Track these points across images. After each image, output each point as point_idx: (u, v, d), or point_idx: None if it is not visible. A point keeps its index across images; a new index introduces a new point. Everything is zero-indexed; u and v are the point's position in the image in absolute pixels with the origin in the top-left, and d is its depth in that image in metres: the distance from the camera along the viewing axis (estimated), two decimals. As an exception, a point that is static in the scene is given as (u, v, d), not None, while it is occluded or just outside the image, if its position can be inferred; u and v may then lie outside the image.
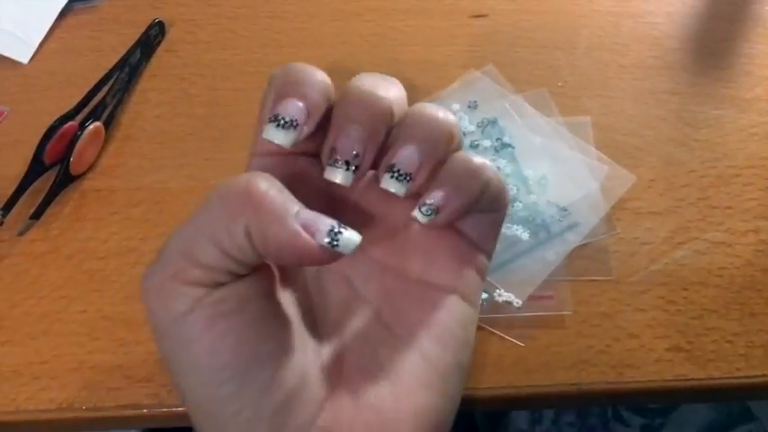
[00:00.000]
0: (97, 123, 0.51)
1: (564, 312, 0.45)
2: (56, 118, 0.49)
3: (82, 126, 0.50)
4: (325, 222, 0.24)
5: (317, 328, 0.29)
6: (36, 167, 0.48)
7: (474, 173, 0.27)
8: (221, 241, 0.23)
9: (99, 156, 0.52)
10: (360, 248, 0.25)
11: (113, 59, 0.55)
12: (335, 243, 0.24)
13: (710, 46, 0.57)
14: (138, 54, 0.56)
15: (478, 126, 0.51)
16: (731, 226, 0.48)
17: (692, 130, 0.52)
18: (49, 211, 0.48)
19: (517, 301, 0.45)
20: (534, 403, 0.45)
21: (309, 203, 0.24)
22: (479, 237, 0.30)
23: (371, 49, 0.56)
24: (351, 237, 0.24)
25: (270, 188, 0.24)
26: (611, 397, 0.44)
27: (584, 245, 0.47)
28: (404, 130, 0.26)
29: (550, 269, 0.46)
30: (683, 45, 0.57)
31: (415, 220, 0.27)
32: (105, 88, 0.53)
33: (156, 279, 0.24)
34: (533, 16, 0.59)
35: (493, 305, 0.45)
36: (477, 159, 0.27)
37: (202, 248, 0.24)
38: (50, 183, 0.48)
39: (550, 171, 0.49)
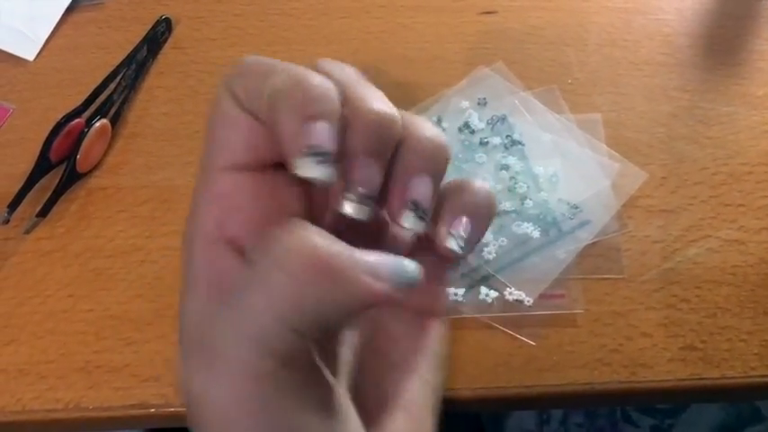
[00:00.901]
0: (104, 120, 0.50)
1: (576, 311, 0.44)
2: (62, 115, 0.49)
3: (88, 123, 0.49)
4: (388, 261, 0.22)
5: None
6: (42, 165, 0.48)
7: (491, 203, 0.26)
8: (294, 322, 0.21)
9: (105, 153, 0.51)
10: None
11: (120, 56, 0.54)
12: (404, 283, 0.22)
13: (722, 43, 0.57)
14: (144, 51, 0.55)
15: (488, 123, 0.51)
16: (744, 224, 0.47)
17: (703, 128, 0.52)
18: (55, 208, 0.48)
19: (528, 300, 0.44)
20: (545, 403, 0.44)
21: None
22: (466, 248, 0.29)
23: (380, 45, 0.56)
24: (412, 271, 0.23)
25: (328, 241, 0.21)
26: (624, 397, 0.43)
27: (596, 243, 0.46)
28: (411, 156, 0.24)
29: (561, 267, 0.45)
30: (693, 42, 0.56)
31: (448, 252, 0.25)
32: (112, 85, 0.52)
33: (221, 383, 0.21)
34: (543, 13, 0.59)
35: (503, 303, 0.44)
36: (488, 186, 0.26)
37: (276, 334, 0.21)
38: (57, 180, 0.48)
39: (561, 168, 0.49)
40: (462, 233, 0.25)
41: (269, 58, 0.24)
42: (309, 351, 0.22)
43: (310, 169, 0.22)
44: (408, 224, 0.24)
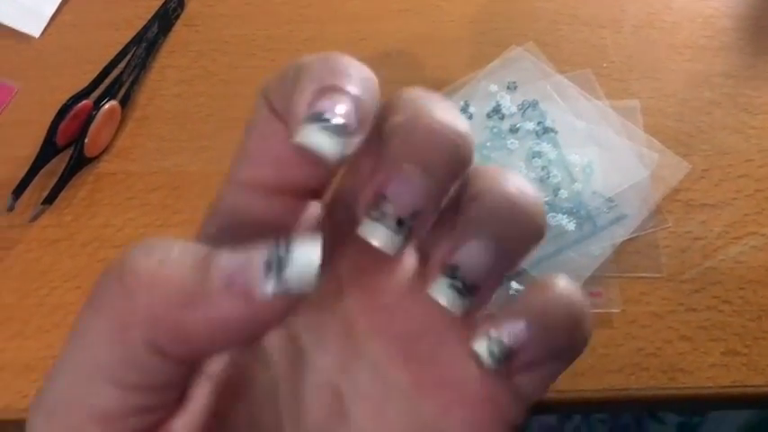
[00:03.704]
0: (113, 102, 0.48)
1: (611, 310, 0.42)
2: (69, 96, 0.46)
3: (97, 105, 0.47)
4: (256, 261, 0.16)
5: None
6: (48, 149, 0.46)
7: (576, 324, 0.19)
8: (117, 373, 0.16)
9: (115, 137, 0.49)
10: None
11: (130, 34, 0.51)
12: (284, 288, 0.15)
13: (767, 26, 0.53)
14: (155, 28, 0.52)
15: (519, 108, 0.48)
16: (792, 220, 0.44)
17: (748, 117, 0.48)
18: (62, 195, 0.45)
19: (561, 298, 0.42)
20: (579, 409, 0.42)
21: None
22: (527, 386, 0.20)
23: (404, 25, 0.53)
24: (302, 262, 0.16)
25: (157, 261, 0.16)
26: (662, 403, 0.41)
27: (633, 239, 0.44)
28: (473, 210, 0.19)
29: (597, 264, 0.43)
30: (737, 24, 0.53)
31: (476, 358, 0.19)
32: (121, 65, 0.50)
33: None
34: (575, -9, 0.56)
35: (534, 302, 0.42)
36: (574, 287, 0.19)
37: (95, 391, 0.16)
38: (64, 165, 0.45)
39: (596, 158, 0.46)
40: (506, 340, 0.18)
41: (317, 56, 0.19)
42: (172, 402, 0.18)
43: (312, 134, 0.17)
44: (437, 293, 0.18)
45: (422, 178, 0.17)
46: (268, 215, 0.19)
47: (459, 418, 0.20)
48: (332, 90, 0.17)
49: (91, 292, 0.17)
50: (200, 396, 0.19)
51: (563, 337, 0.19)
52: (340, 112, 0.17)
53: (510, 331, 0.18)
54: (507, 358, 0.18)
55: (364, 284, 0.21)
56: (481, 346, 0.18)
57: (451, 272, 0.18)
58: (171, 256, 0.16)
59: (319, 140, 0.17)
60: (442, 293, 0.18)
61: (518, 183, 0.19)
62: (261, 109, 0.19)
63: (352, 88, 0.17)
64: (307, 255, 0.16)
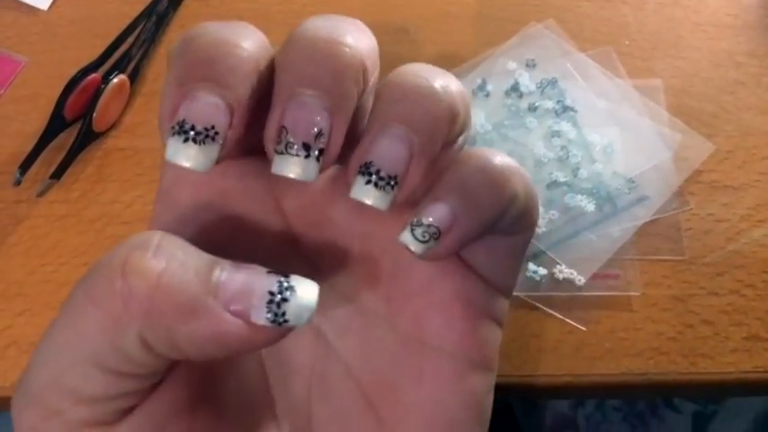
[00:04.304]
0: (122, 76, 0.47)
1: (631, 293, 0.41)
2: (78, 69, 0.45)
3: (105, 79, 0.46)
4: (260, 288, 0.16)
5: (278, 410, 0.21)
6: (56, 123, 0.45)
7: (495, 183, 0.18)
8: (106, 361, 0.16)
9: (123, 112, 0.48)
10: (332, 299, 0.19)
11: (139, 7, 0.50)
12: (282, 319, 0.16)
13: (793, 4, 0.52)
14: (165, 2, 0.51)
15: (537, 87, 0.46)
16: (818, 203, 0.43)
17: (773, 97, 0.47)
18: (69, 170, 0.44)
19: (579, 279, 0.41)
20: (596, 394, 0.41)
21: (257, 239, 0.18)
22: (494, 270, 0.21)
23: (421, 0, 0.52)
24: (301, 300, 0.16)
25: (165, 263, 0.16)
26: (682, 389, 0.40)
27: (654, 221, 0.42)
28: (383, 108, 0.18)
29: (617, 246, 0.42)
30: (763, 2, 0.51)
31: (403, 246, 0.18)
32: (131, 39, 0.49)
33: (24, 421, 0.17)
34: (596, -32, 0.54)
35: (552, 282, 0.41)
36: (499, 160, 0.19)
37: (82, 375, 0.16)
38: (72, 140, 0.44)
39: (617, 138, 0.44)
40: (431, 221, 0.18)
41: (208, 25, 0.18)
42: (148, 390, 0.18)
43: (177, 150, 0.17)
44: (358, 193, 0.18)
45: (313, 98, 0.17)
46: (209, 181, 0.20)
47: (434, 324, 0.20)
48: (191, 89, 0.17)
49: (87, 279, 0.16)
50: (180, 376, 0.19)
51: (487, 200, 0.18)
52: (201, 115, 0.17)
53: (429, 212, 0.18)
54: (435, 238, 0.18)
55: (312, 222, 0.21)
56: (406, 236, 0.18)
57: (366, 169, 0.18)
58: (176, 262, 0.16)
59: (187, 154, 0.17)
60: (362, 192, 0.18)
61: (418, 71, 0.18)
62: (168, 77, 0.18)
63: (220, 75, 0.17)
64: (307, 295, 0.16)
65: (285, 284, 0.16)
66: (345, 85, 0.17)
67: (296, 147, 0.17)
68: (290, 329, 0.17)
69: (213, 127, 0.17)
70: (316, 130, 0.17)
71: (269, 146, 0.18)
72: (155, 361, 0.17)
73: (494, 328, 0.21)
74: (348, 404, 0.21)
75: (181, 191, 0.20)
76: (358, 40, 0.18)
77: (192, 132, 0.17)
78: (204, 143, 0.17)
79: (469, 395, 0.20)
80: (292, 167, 0.17)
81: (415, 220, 0.18)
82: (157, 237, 0.16)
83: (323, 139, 0.17)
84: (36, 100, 0.47)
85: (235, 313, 0.16)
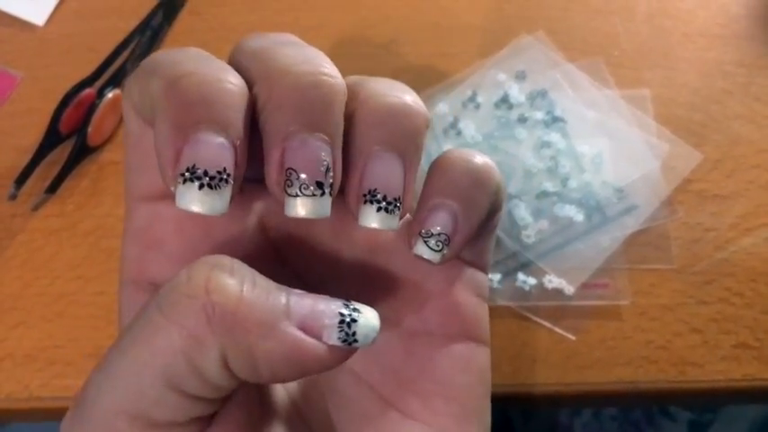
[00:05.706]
0: (117, 91, 0.47)
1: (620, 302, 0.41)
2: (73, 84, 0.46)
3: (100, 94, 0.46)
4: (331, 310, 0.17)
5: (305, 418, 0.22)
6: (51, 138, 0.45)
7: (482, 181, 0.20)
8: (182, 383, 0.16)
9: (118, 126, 0.48)
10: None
11: (134, 22, 0.51)
12: (353, 338, 0.17)
13: (781, 13, 0.52)
14: (160, 16, 0.52)
15: (527, 98, 0.47)
16: (806, 212, 0.43)
17: (761, 106, 0.47)
18: (65, 184, 0.45)
19: (569, 288, 0.41)
20: (586, 403, 0.41)
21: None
22: (472, 251, 0.22)
23: (411, 13, 0.52)
24: (368, 321, 0.17)
25: (243, 283, 0.16)
26: (671, 397, 0.40)
27: (643, 230, 0.43)
28: (366, 133, 0.19)
29: (606, 255, 0.42)
30: (751, 12, 0.52)
31: (421, 258, 0.19)
32: (125, 53, 0.49)
33: None
34: (586, -21, 0.55)
35: (541, 292, 0.41)
36: (479, 159, 0.20)
37: (155, 398, 0.16)
38: (67, 154, 0.45)
39: (606, 148, 0.45)
40: (439, 230, 0.19)
41: (168, 51, 0.18)
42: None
43: (188, 197, 0.16)
44: (365, 220, 0.18)
45: (314, 136, 0.17)
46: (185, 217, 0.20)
47: (437, 314, 0.22)
48: (193, 131, 0.17)
49: (161, 300, 0.16)
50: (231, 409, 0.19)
51: (479, 198, 0.20)
52: (212, 158, 0.16)
53: (435, 222, 0.19)
54: (446, 245, 0.19)
55: (297, 237, 0.22)
56: (421, 248, 0.19)
57: (372, 197, 0.18)
58: (250, 283, 0.16)
59: (201, 201, 0.17)
60: (372, 219, 0.18)
61: (388, 90, 0.19)
62: (128, 115, 0.19)
63: (220, 114, 0.17)
64: (372, 319, 0.18)
65: (352, 307, 0.17)
66: (337, 116, 0.18)
67: (311, 187, 0.17)
68: (356, 350, 0.17)
69: (225, 169, 0.17)
70: (324, 166, 0.17)
71: (275, 189, 0.18)
72: (228, 383, 0.17)
73: (483, 305, 0.22)
74: (366, 407, 0.22)
75: (163, 226, 0.20)
76: (329, 63, 0.19)
77: (206, 178, 0.16)
78: (219, 187, 0.17)
79: (477, 370, 0.22)
80: (308, 207, 0.17)
81: (424, 231, 0.19)
82: (228, 259, 0.17)
83: (330, 174, 0.18)
84: (31, 115, 0.48)
85: (308, 334, 0.17)
